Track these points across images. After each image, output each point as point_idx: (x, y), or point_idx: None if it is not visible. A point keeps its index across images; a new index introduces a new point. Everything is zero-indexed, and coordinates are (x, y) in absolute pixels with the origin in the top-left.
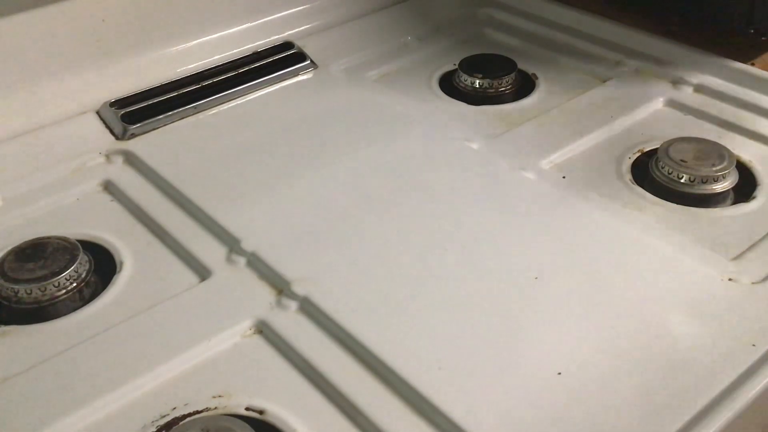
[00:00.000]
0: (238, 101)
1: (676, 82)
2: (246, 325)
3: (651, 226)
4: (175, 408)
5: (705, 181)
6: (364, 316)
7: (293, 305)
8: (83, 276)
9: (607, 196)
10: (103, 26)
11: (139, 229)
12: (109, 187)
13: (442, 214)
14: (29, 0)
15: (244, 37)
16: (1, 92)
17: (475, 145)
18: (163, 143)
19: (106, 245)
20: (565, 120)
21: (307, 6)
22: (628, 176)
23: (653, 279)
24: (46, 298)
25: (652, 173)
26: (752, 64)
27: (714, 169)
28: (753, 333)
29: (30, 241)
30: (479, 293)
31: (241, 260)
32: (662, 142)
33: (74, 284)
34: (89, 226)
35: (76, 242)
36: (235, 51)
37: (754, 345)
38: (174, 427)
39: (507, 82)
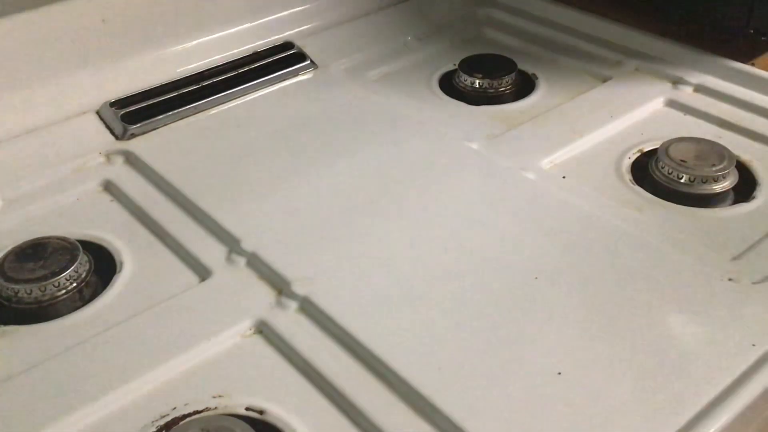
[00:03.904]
0: (238, 101)
1: (676, 82)
2: (246, 325)
3: (651, 226)
4: (175, 408)
5: (705, 181)
6: (364, 316)
7: (293, 305)
8: (83, 276)
9: (607, 196)
10: (103, 26)
11: (139, 229)
12: (109, 187)
13: (441, 214)
14: (29, 0)
15: (244, 37)
16: (1, 92)
17: (475, 145)
18: (163, 143)
19: (106, 245)
20: (565, 120)
21: (307, 6)
22: (628, 176)
23: (653, 279)
24: (46, 298)
25: (652, 173)
26: (752, 64)
27: (714, 169)
28: (753, 333)
29: (30, 241)
30: (479, 293)
31: (241, 260)
32: (662, 142)
33: (74, 284)
34: (89, 226)
35: (76, 242)
36: (235, 51)
37: (754, 345)
38: (174, 427)
39: (507, 82)
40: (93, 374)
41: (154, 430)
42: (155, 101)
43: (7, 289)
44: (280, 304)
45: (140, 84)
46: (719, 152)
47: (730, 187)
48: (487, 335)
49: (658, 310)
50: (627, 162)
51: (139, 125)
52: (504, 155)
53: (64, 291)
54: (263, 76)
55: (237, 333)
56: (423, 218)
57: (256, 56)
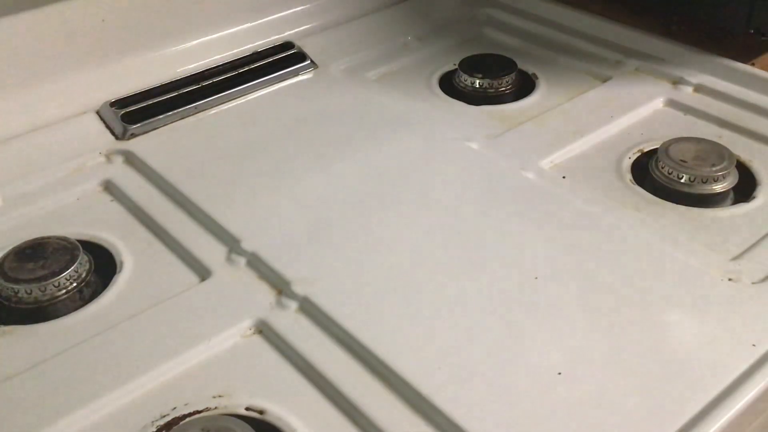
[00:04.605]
0: (238, 101)
1: (676, 82)
2: (246, 325)
3: (651, 226)
4: (175, 408)
5: (705, 181)
6: (364, 316)
7: (293, 305)
8: (83, 276)
9: (607, 196)
10: (103, 26)
11: (139, 229)
12: (109, 187)
13: (442, 214)
14: (29, 0)
15: (244, 37)
16: (1, 92)
17: (475, 145)
18: (163, 143)
19: (106, 245)
20: (565, 120)
21: (307, 6)
22: (628, 176)
23: (653, 279)
24: (46, 298)
25: (652, 173)
26: (752, 64)
27: (714, 169)
28: (753, 333)
29: (30, 241)
30: (479, 293)
31: (241, 260)
32: (662, 142)
33: (74, 284)
34: (89, 226)
35: (76, 242)
36: (235, 51)
37: (754, 345)
38: (174, 427)
39: (507, 82)
40: (93, 374)
41: (154, 430)
42: (155, 101)
43: (7, 289)
44: (280, 304)
45: (140, 84)
46: (719, 152)
47: (730, 187)
48: (487, 335)
49: (658, 310)
50: (627, 162)
51: (139, 125)
52: (504, 155)
53: (64, 291)
54: (263, 76)
55: (237, 333)
56: (422, 218)
57: (256, 56)
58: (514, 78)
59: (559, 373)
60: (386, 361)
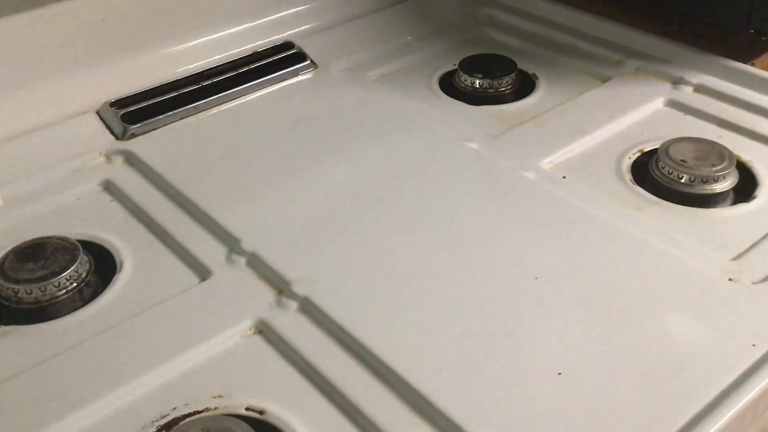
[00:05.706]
0: (238, 101)
1: (676, 82)
2: (246, 325)
3: (651, 226)
4: (175, 408)
5: (705, 181)
6: (364, 316)
7: (293, 305)
8: (83, 276)
9: (607, 196)
10: (103, 26)
11: (139, 229)
12: (109, 187)
13: (442, 214)
14: (29, 0)
15: (244, 37)
16: (1, 92)
17: (475, 145)
18: (163, 143)
19: (106, 245)
20: (565, 120)
21: (307, 6)
22: (628, 176)
23: (653, 279)
24: (46, 298)
25: (652, 173)
26: (752, 64)
27: (714, 169)
28: (753, 333)
29: (30, 241)
30: (479, 293)
31: (241, 260)
32: (662, 142)
33: (74, 284)
34: (89, 226)
35: (76, 242)
36: (235, 51)
37: (754, 345)
38: (174, 427)
39: (507, 82)
40: (93, 374)
41: (154, 430)
42: (155, 101)
43: (7, 289)
44: (280, 304)
45: (140, 84)
46: (719, 152)
47: (730, 187)
48: (488, 335)
49: (658, 310)
50: (627, 162)
51: (139, 125)
52: (504, 155)
53: (64, 291)
54: (263, 76)
55: (237, 333)
56: (423, 218)
57: (256, 56)
58: (514, 78)
59: (559, 373)
60: (386, 361)
